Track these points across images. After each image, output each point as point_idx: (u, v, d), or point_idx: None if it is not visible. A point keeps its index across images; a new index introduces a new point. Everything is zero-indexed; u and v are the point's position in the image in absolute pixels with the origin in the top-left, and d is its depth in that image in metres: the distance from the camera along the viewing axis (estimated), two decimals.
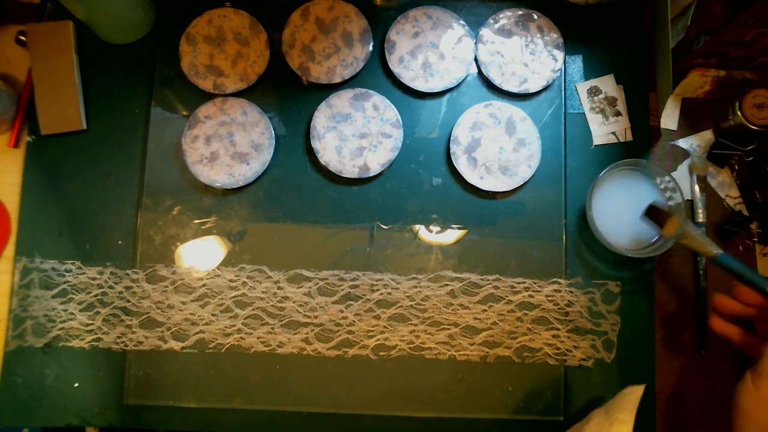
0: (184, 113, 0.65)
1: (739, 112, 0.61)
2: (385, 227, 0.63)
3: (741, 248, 0.63)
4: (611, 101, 0.65)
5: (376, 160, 0.63)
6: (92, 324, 0.61)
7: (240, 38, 0.65)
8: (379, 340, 0.61)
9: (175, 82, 0.66)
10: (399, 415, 0.60)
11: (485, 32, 0.65)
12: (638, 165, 0.62)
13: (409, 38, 0.65)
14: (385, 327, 0.61)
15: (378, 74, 0.66)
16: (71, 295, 0.62)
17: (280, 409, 0.60)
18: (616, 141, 0.64)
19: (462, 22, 0.65)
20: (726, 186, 0.64)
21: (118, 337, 0.61)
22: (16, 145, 0.64)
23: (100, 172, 0.64)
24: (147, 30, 0.66)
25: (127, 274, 0.62)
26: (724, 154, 0.63)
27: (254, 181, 0.63)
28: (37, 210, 0.63)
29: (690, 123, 0.66)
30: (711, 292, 0.62)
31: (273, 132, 0.64)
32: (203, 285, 0.62)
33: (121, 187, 0.64)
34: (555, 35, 0.65)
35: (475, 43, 0.65)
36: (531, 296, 0.61)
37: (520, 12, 0.66)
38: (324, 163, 0.63)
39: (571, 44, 0.66)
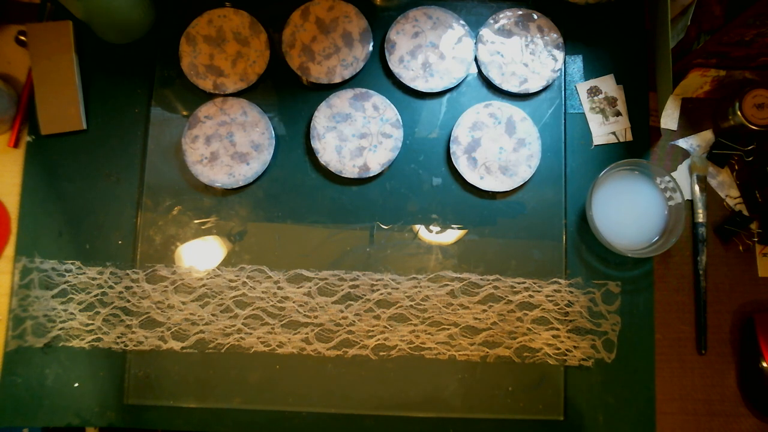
0: (184, 113, 0.65)
1: (739, 112, 0.61)
2: (385, 227, 0.63)
3: (741, 248, 0.63)
4: (611, 101, 0.65)
5: (376, 160, 0.63)
6: (92, 324, 0.61)
7: (240, 38, 0.65)
8: (379, 340, 0.61)
9: (175, 82, 0.66)
10: (399, 415, 0.60)
11: (485, 32, 0.65)
12: (638, 165, 0.62)
13: (409, 38, 0.65)
14: (385, 327, 0.61)
15: (378, 74, 0.66)
16: (71, 295, 0.61)
17: (280, 409, 0.60)
18: (616, 141, 0.64)
19: (462, 22, 0.65)
20: (726, 186, 0.64)
21: (118, 337, 0.61)
22: (16, 145, 0.64)
23: (100, 172, 0.64)
24: (147, 30, 0.66)
25: (127, 274, 0.62)
26: (724, 154, 0.63)
27: (254, 181, 0.63)
28: (37, 210, 0.63)
29: (690, 123, 0.66)
30: (711, 292, 0.62)
31: (273, 132, 0.64)
32: (203, 285, 0.62)
33: (121, 187, 0.64)
34: (555, 35, 0.65)
35: (475, 43, 0.65)
36: (531, 296, 0.61)
37: (520, 12, 0.66)
38: (324, 163, 0.63)
39: (571, 44, 0.66)
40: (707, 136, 0.65)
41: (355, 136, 0.63)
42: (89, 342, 0.61)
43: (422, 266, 0.62)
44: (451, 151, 0.63)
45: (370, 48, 0.65)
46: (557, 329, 0.61)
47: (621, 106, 0.65)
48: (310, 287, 0.62)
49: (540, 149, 0.63)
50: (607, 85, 0.65)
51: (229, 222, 0.63)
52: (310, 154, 0.64)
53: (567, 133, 0.65)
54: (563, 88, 0.66)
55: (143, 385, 0.61)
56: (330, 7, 0.65)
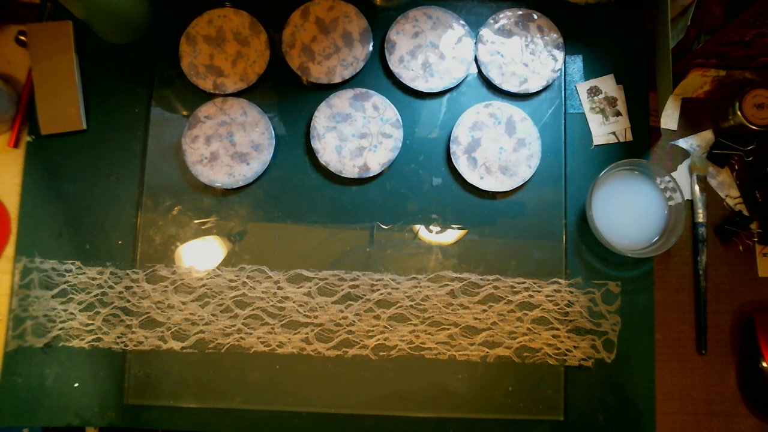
0: (184, 113, 0.65)
1: (739, 112, 0.61)
2: (385, 227, 0.63)
3: (741, 248, 0.63)
4: (611, 101, 0.65)
5: (376, 160, 0.63)
6: (92, 324, 0.61)
7: (240, 38, 0.65)
8: (379, 340, 0.61)
9: (175, 82, 0.66)
10: (399, 415, 0.60)
11: (485, 32, 0.65)
12: (638, 165, 0.62)
13: (409, 38, 0.65)
14: (385, 327, 0.61)
15: (378, 74, 0.66)
16: (71, 295, 0.61)
17: (280, 409, 0.60)
18: (616, 141, 0.64)
19: (462, 22, 0.65)
20: (726, 186, 0.64)
21: (118, 337, 0.61)
22: (16, 145, 0.64)
23: (100, 172, 0.64)
24: (146, 30, 0.66)
25: (127, 274, 0.62)
26: (724, 154, 0.63)
27: (254, 181, 0.63)
28: (37, 210, 0.63)
29: (690, 123, 0.66)
30: (711, 292, 0.62)
31: (273, 132, 0.64)
32: (203, 285, 0.62)
33: (121, 187, 0.64)
34: (555, 35, 0.65)
35: (475, 43, 0.65)
36: (531, 296, 0.61)
37: (520, 12, 0.66)
38: (324, 163, 0.63)
39: (571, 44, 0.66)
40: (707, 136, 0.65)
41: (355, 136, 0.63)
42: (89, 342, 0.61)
43: (422, 266, 0.62)
44: (451, 151, 0.63)
45: (370, 48, 0.65)
46: (557, 329, 0.61)
47: (621, 106, 0.65)
48: (310, 287, 0.62)
49: (540, 149, 0.63)
50: (607, 85, 0.65)
51: (229, 222, 0.63)
52: (310, 154, 0.64)
53: (567, 133, 0.65)
54: (563, 88, 0.66)
55: (143, 385, 0.61)
56: (330, 7, 0.65)
